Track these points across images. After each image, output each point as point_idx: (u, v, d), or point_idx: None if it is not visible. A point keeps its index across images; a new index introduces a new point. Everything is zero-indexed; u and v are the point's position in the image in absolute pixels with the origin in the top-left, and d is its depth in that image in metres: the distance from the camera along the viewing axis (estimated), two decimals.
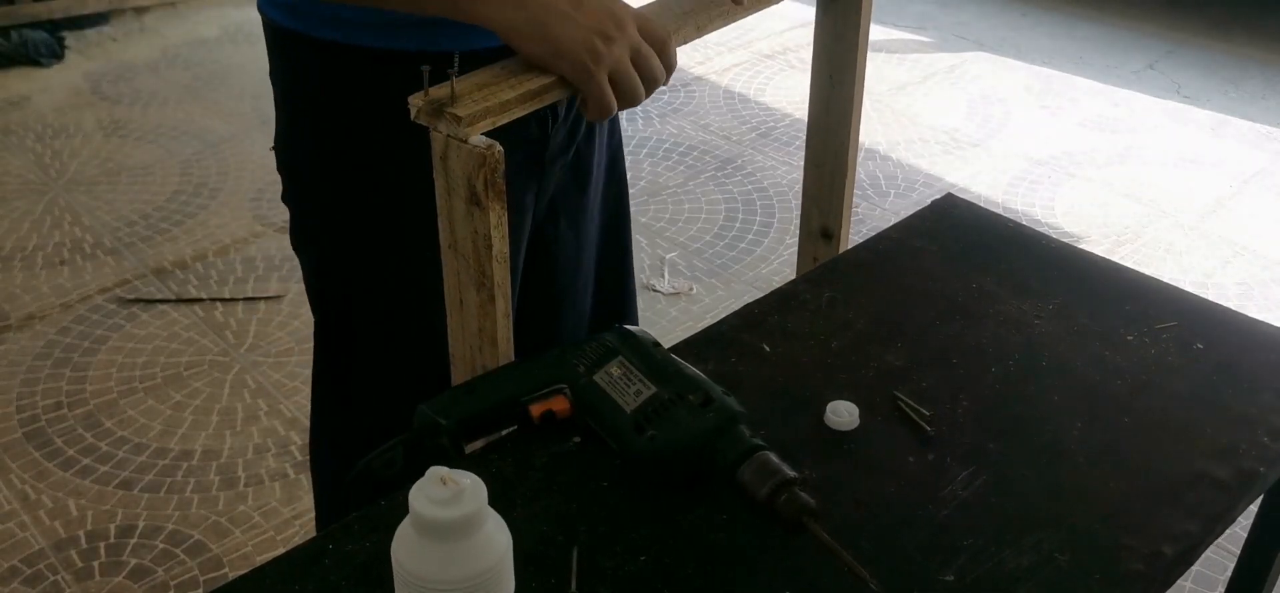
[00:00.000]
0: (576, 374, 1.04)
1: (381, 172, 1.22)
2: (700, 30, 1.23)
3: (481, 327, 1.08)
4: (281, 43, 1.24)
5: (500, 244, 1.04)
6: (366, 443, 1.33)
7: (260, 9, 1.24)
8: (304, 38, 1.19)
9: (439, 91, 1.01)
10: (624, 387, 1.02)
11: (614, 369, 1.04)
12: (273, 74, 1.28)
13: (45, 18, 4.22)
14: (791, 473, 0.91)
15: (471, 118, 1.00)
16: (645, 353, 1.05)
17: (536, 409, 1.04)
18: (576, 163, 1.36)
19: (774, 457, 0.92)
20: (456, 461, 1.03)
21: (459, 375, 1.14)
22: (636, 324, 1.55)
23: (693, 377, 1.01)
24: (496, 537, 0.76)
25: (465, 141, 0.99)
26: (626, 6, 1.11)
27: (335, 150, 1.24)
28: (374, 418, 1.33)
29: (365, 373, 1.34)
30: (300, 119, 1.27)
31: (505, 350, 1.09)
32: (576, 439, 1.05)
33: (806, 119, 1.52)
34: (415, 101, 1.01)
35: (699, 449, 0.96)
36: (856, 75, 1.45)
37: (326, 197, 1.28)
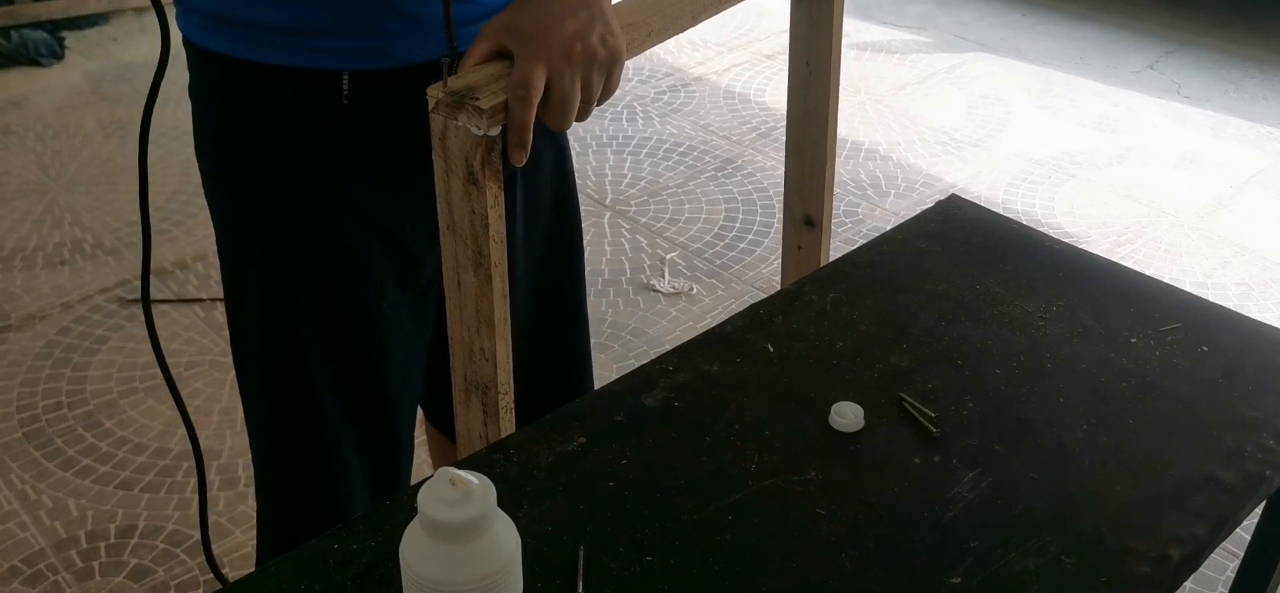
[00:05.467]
0: None
1: (272, 177, 1.22)
2: (695, 19, 1.23)
3: (479, 308, 1.08)
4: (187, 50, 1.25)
5: (497, 224, 1.04)
6: (288, 444, 1.35)
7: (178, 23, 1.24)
8: (201, 49, 1.20)
9: (458, 83, 1.01)
10: None
11: None
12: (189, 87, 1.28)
13: (45, 18, 4.22)
14: None
15: (494, 110, 1.00)
16: None
17: None
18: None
19: None
20: None
21: (457, 358, 1.14)
22: (591, 376, 1.53)
23: None
24: (505, 538, 0.76)
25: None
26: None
27: (237, 154, 1.24)
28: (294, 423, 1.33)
29: (277, 370, 1.33)
30: (206, 124, 1.27)
31: (502, 331, 1.10)
32: (582, 439, 1.05)
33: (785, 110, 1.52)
34: (434, 93, 1.01)
35: None
36: (832, 62, 1.45)
37: (229, 198, 1.28)
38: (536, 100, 1.00)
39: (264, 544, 1.43)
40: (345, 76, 1.16)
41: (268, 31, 1.14)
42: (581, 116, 1.06)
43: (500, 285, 1.08)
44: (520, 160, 1.03)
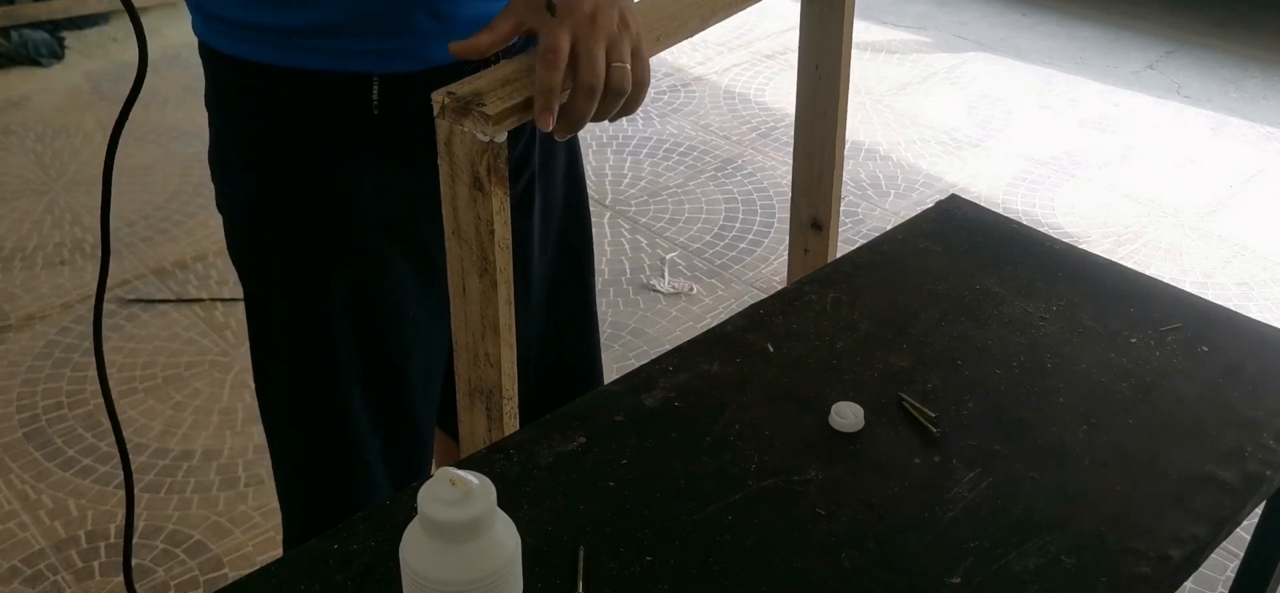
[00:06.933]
0: None
1: (304, 193, 1.22)
2: (705, 23, 1.23)
3: (484, 313, 1.08)
4: (209, 60, 1.24)
5: (502, 230, 1.04)
6: (307, 448, 1.35)
7: (196, 31, 1.23)
8: (227, 58, 1.19)
9: (464, 89, 1.01)
10: None
11: None
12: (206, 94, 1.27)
13: (45, 18, 4.22)
14: None
15: (501, 115, 1.00)
16: None
17: None
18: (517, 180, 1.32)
19: None
20: None
21: (461, 364, 1.14)
22: (601, 378, 1.53)
23: None
24: (505, 538, 0.76)
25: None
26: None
27: (256, 163, 1.22)
28: (309, 428, 1.34)
29: (296, 382, 1.33)
30: (226, 131, 1.26)
31: (507, 337, 1.10)
32: (582, 439, 1.05)
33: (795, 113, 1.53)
34: (439, 98, 1.01)
35: None
36: (842, 66, 1.46)
37: (250, 208, 1.27)
38: (563, 64, 1.01)
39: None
40: (375, 82, 1.15)
41: (297, 35, 1.13)
42: (630, 107, 1.06)
43: (505, 292, 1.08)
44: (547, 125, 1.02)
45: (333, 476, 1.34)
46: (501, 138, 1.01)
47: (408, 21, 1.14)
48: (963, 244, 1.35)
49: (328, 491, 1.36)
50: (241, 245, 1.29)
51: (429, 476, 1.43)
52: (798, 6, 1.47)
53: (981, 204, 1.45)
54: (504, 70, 1.04)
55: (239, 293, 1.35)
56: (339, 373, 1.27)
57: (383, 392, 1.31)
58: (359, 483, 1.34)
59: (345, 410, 1.29)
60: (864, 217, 3.28)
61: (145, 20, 1.08)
